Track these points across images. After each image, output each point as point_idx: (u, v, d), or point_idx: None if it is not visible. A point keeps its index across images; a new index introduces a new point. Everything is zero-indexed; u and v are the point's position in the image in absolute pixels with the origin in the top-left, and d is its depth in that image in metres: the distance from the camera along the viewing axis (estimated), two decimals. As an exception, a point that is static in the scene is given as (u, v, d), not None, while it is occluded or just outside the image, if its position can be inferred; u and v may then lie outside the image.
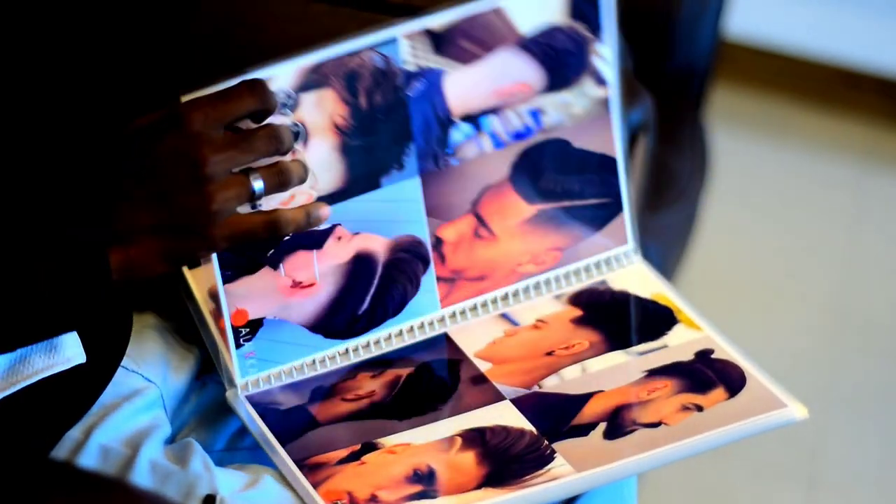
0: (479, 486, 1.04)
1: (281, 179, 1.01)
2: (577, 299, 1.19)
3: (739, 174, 2.72)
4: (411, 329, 1.16)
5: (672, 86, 1.95)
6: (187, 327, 1.15)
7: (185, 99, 0.99)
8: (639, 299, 1.19)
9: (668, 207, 1.88)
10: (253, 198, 0.99)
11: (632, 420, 1.09)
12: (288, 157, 1.02)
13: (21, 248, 0.96)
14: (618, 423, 1.09)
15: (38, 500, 0.84)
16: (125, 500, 0.88)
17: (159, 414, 1.09)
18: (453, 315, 1.17)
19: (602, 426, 1.08)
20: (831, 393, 2.29)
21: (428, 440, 1.08)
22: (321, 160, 1.07)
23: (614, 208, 1.19)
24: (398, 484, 1.04)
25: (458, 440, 1.08)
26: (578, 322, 1.18)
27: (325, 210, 1.04)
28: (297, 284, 1.10)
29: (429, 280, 1.15)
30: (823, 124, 2.93)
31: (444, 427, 1.09)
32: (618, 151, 1.18)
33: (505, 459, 1.06)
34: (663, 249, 1.47)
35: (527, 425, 1.08)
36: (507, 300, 1.19)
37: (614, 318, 1.18)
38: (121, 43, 1.15)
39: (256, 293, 1.09)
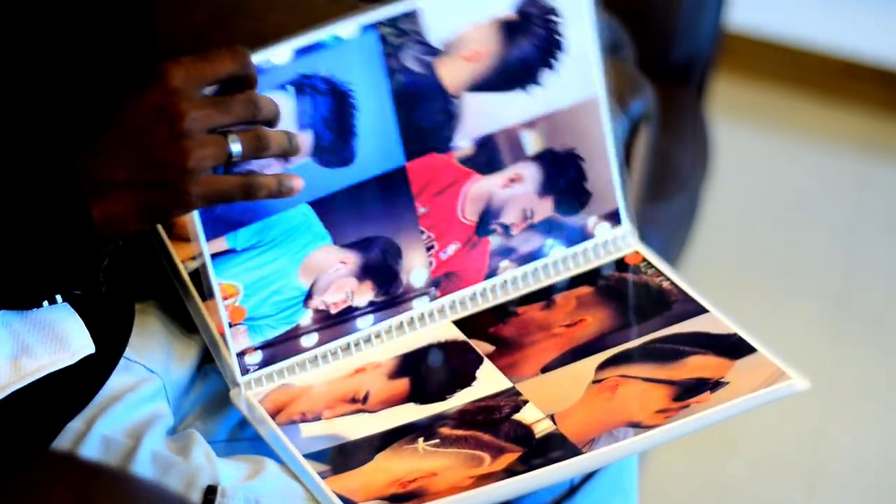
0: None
1: (259, 145, 1.01)
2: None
3: (741, 165, 2.72)
4: (411, 321, 1.16)
5: (673, 77, 1.95)
6: (189, 318, 1.15)
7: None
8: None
9: (670, 198, 1.88)
10: (230, 160, 0.99)
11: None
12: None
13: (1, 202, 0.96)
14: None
15: (41, 492, 0.84)
16: (127, 490, 0.88)
17: (161, 405, 1.09)
18: (453, 305, 1.17)
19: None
20: (832, 384, 2.29)
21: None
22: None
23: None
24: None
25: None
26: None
27: (299, 182, 1.04)
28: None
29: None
30: (824, 114, 2.93)
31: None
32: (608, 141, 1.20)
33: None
34: (664, 240, 1.47)
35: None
36: (506, 289, 1.18)
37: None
38: (116, 30, 1.14)
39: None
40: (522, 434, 1.05)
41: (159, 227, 1.17)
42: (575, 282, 1.18)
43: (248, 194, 1.01)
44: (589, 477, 1.22)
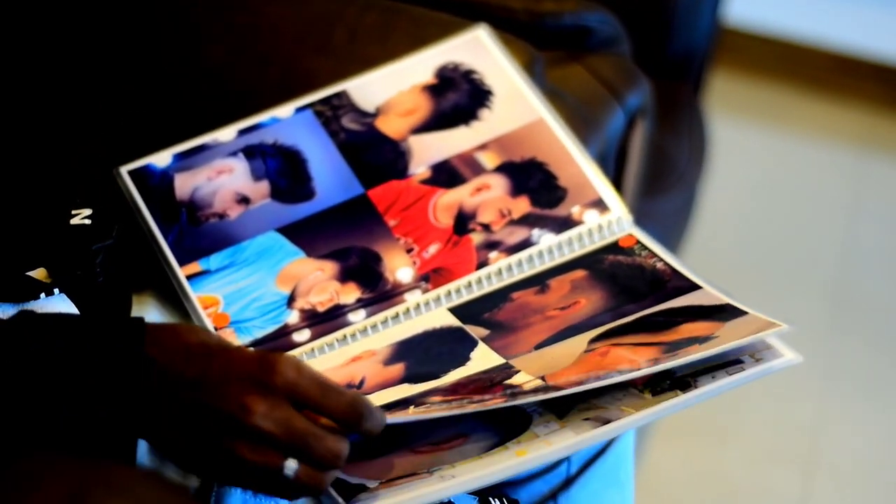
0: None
1: (314, 483, 0.92)
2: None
3: (738, 160, 2.72)
4: (407, 311, 1.16)
5: (671, 71, 1.95)
6: (185, 308, 1.15)
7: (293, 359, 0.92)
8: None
9: (667, 193, 1.88)
10: (278, 478, 0.91)
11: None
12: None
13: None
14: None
15: (37, 481, 0.84)
16: (124, 479, 0.88)
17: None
18: (448, 294, 1.18)
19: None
20: (829, 377, 2.30)
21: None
22: None
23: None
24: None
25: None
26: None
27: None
28: None
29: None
30: (821, 110, 2.93)
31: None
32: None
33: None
34: (661, 234, 1.47)
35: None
36: (501, 274, 1.19)
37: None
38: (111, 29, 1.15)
39: None
40: (511, 391, 1.04)
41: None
42: (569, 266, 1.19)
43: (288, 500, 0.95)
44: (585, 468, 1.22)
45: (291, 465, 0.90)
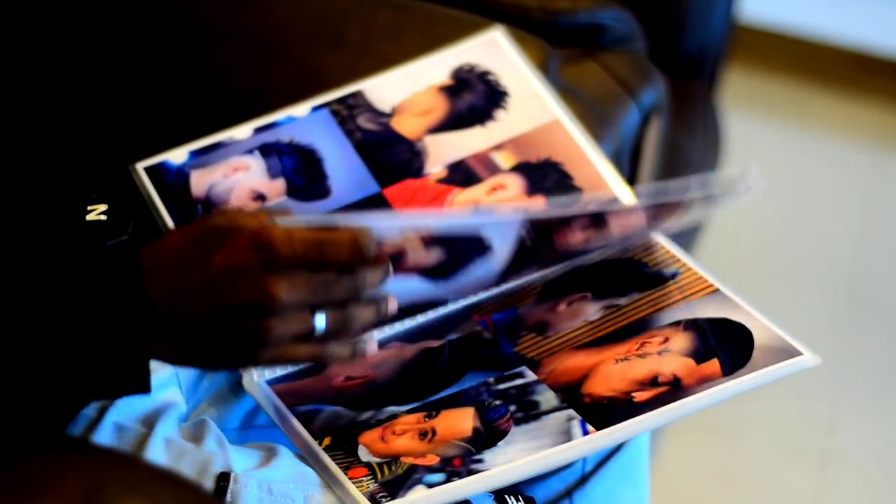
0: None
1: (345, 326, 0.97)
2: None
3: (753, 157, 2.71)
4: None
5: (685, 68, 1.95)
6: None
7: (283, 221, 0.95)
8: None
9: (681, 189, 1.88)
10: (311, 335, 0.96)
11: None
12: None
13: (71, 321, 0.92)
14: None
15: (54, 478, 0.85)
16: (141, 476, 0.88)
17: (174, 392, 1.10)
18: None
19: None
20: (845, 373, 2.29)
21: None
22: None
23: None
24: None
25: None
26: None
27: (373, 345, 1.02)
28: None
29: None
30: (837, 107, 2.92)
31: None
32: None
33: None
34: (676, 231, 1.46)
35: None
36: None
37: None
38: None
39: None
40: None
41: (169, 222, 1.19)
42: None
43: (319, 363, 1.02)
44: (600, 465, 1.22)
45: (321, 321, 0.95)
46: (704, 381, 1.06)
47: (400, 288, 1.04)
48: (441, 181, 1.22)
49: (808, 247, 2.59)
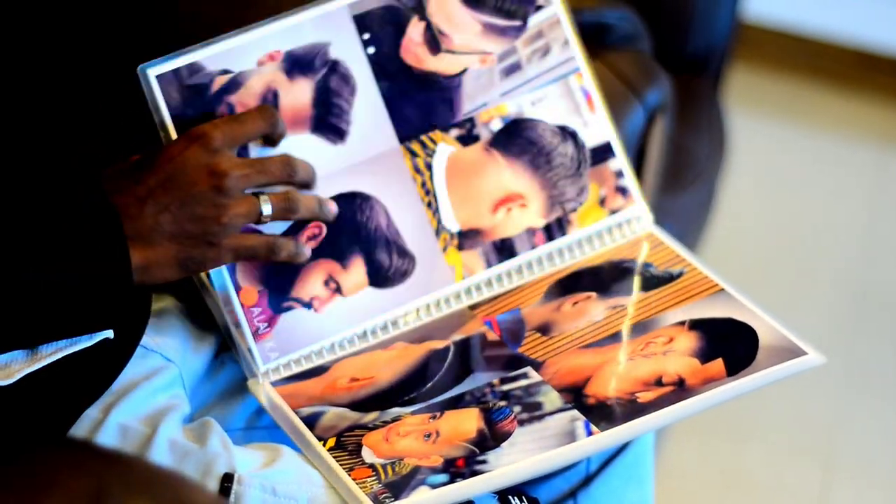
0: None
1: (289, 206, 1.09)
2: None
3: (758, 156, 2.71)
4: (427, 307, 1.16)
5: (690, 67, 1.95)
6: (206, 310, 1.15)
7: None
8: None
9: (686, 188, 1.88)
10: (260, 218, 1.07)
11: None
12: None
13: (46, 243, 0.99)
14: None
15: (58, 478, 0.85)
16: (145, 476, 0.88)
17: (178, 393, 1.10)
18: (469, 291, 1.18)
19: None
20: (849, 372, 2.29)
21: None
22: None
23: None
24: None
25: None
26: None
27: (306, 249, 1.12)
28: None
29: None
30: (842, 106, 2.92)
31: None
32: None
33: None
34: (681, 230, 1.47)
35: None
36: (521, 273, 1.19)
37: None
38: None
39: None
40: None
41: None
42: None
43: (272, 253, 1.09)
44: (604, 465, 1.22)
45: (266, 204, 1.06)
46: (709, 381, 1.06)
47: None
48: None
49: (812, 245, 2.59)
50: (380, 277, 1.15)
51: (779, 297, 2.38)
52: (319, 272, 1.14)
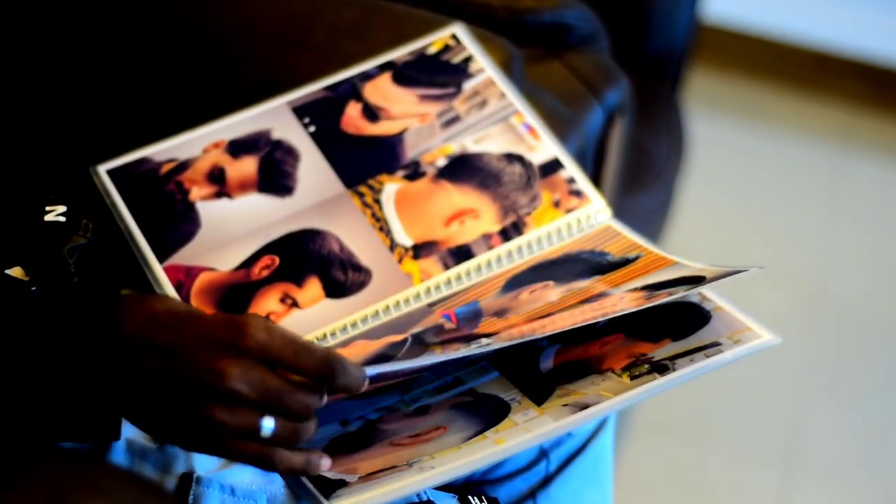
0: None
1: (292, 437, 0.92)
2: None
3: (717, 157, 2.73)
4: (387, 307, 1.16)
5: (649, 69, 1.95)
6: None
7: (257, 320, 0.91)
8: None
9: (645, 190, 1.88)
10: (256, 434, 0.91)
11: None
12: None
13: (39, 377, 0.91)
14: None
15: (16, 480, 0.84)
16: (104, 478, 0.87)
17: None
18: (428, 290, 1.18)
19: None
20: (808, 376, 2.30)
21: None
22: None
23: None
24: None
25: None
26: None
27: (326, 461, 0.97)
28: None
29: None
30: (800, 107, 2.94)
31: None
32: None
33: None
34: (640, 231, 1.47)
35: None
36: (480, 271, 1.19)
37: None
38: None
39: None
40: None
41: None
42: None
43: (266, 467, 0.93)
44: (564, 466, 1.22)
45: (269, 424, 0.90)
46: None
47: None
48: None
49: (771, 247, 2.61)
50: (336, 290, 1.16)
51: (736, 298, 2.38)
52: (275, 292, 1.14)
